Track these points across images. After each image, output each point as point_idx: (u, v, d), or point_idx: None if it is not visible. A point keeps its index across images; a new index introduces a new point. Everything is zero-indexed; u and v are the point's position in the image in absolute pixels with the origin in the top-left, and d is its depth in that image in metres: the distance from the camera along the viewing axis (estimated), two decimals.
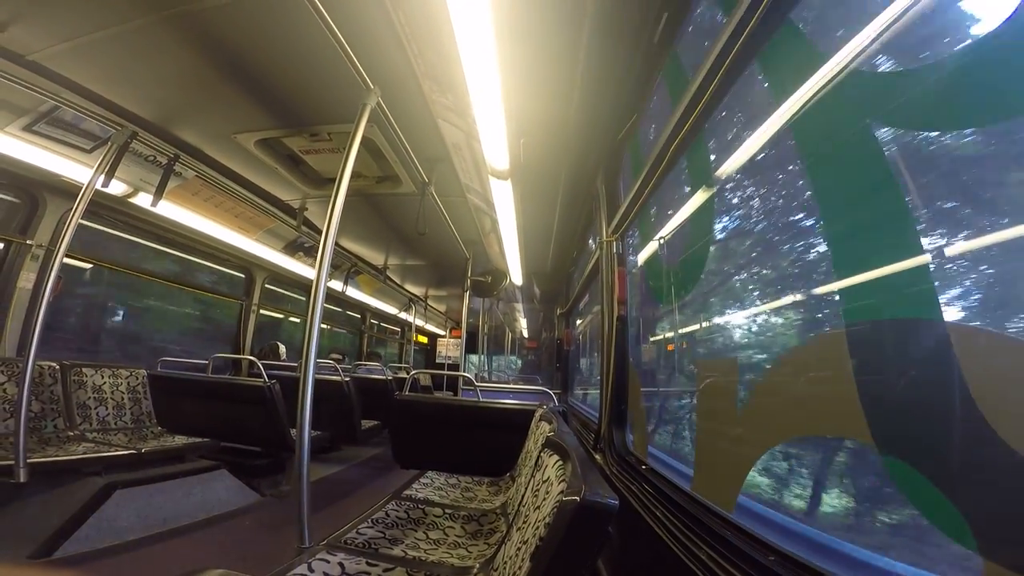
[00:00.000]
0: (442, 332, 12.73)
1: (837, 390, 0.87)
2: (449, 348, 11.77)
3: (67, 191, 3.15)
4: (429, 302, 9.40)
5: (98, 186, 2.75)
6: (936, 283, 0.72)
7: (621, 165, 2.64)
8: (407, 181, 3.48)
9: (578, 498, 0.91)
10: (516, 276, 5.76)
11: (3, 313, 3.13)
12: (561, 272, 5.84)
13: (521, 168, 2.91)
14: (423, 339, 12.53)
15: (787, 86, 1.07)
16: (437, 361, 12.14)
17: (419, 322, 10.00)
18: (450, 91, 2.43)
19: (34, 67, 2.32)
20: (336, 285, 6.16)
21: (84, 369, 3.55)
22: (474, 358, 11.09)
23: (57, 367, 3.37)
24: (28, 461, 2.42)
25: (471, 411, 3.08)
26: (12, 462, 2.38)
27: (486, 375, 11.31)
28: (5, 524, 2.39)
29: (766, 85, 1.11)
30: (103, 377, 3.65)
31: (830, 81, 0.95)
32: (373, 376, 5.55)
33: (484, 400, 3.20)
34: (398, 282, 7.52)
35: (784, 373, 1.13)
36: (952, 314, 0.70)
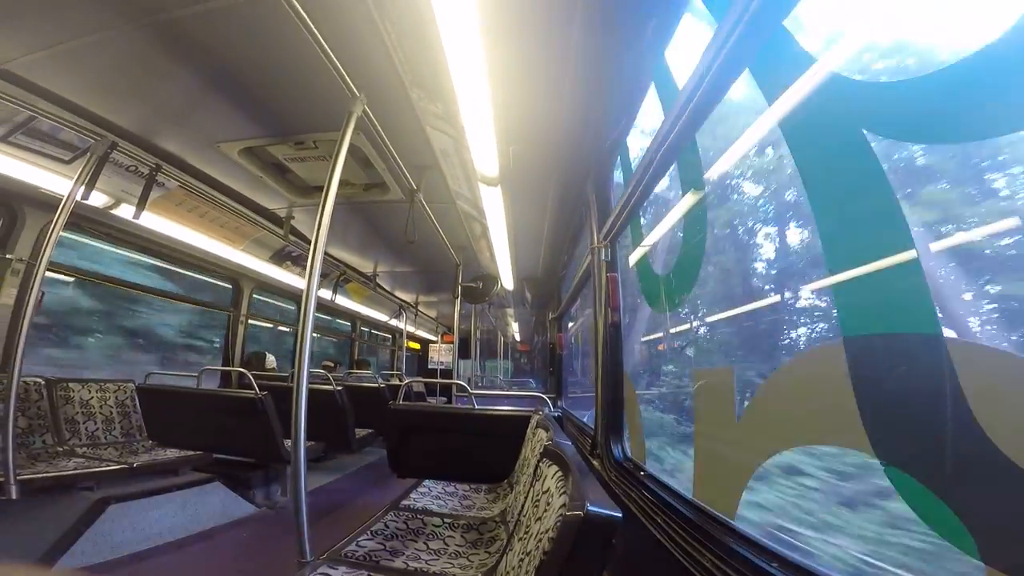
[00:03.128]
0: (434, 338, 12.67)
1: (836, 401, 0.86)
2: (441, 354, 11.73)
3: (47, 203, 3.08)
4: (420, 308, 9.35)
5: (78, 198, 2.69)
6: (933, 296, 0.71)
7: (611, 171, 2.63)
8: (395, 188, 3.45)
9: (581, 513, 0.90)
10: (507, 281, 5.74)
11: None
12: (552, 276, 5.83)
13: (511, 174, 2.89)
14: (415, 345, 12.46)
15: (777, 93, 1.06)
16: (429, 367, 12.10)
17: (410, 328, 9.94)
18: (438, 99, 2.41)
19: (9, 76, 2.26)
20: (325, 294, 6.10)
21: (70, 384, 3.51)
22: (466, 363, 11.04)
23: (43, 382, 3.33)
24: (18, 478, 2.39)
25: (466, 418, 3.05)
26: (2, 479, 2.35)
27: (479, 379, 11.28)
28: (2, 542, 2.34)
29: (756, 92, 1.10)
30: (90, 392, 3.61)
31: (821, 88, 0.94)
32: (365, 384, 5.50)
33: (479, 407, 3.17)
34: (388, 289, 7.46)
35: (783, 382, 1.13)
36: (949, 327, 0.69)
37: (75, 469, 2.80)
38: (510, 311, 9.74)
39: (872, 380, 0.80)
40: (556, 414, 4.00)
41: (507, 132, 2.46)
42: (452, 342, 10.90)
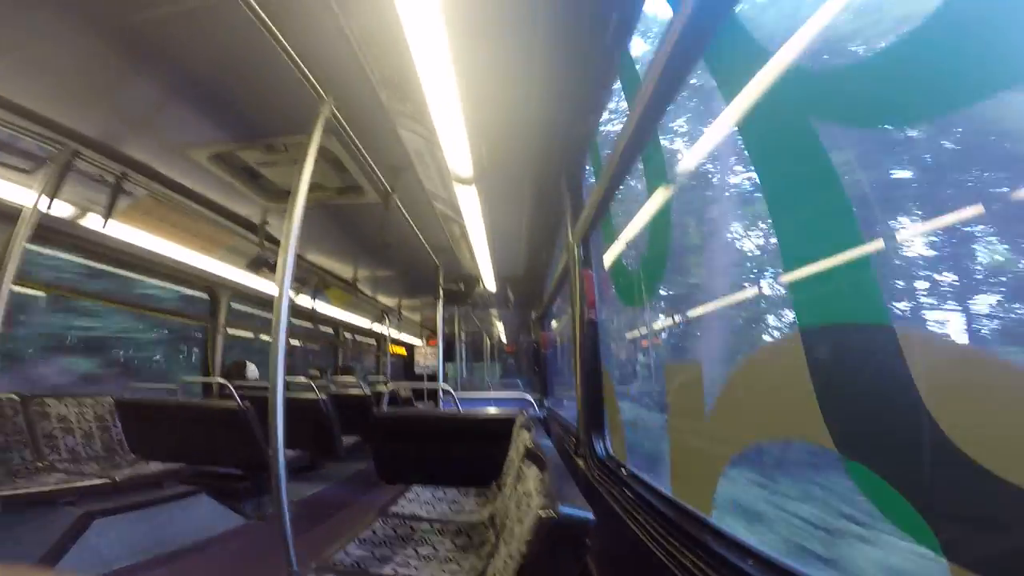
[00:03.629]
0: (419, 342, 12.60)
1: (797, 394, 0.87)
2: (427, 357, 11.65)
3: (8, 215, 2.99)
4: (403, 312, 9.28)
5: (42, 209, 2.62)
6: (883, 287, 0.72)
7: (583, 167, 2.64)
8: (370, 191, 3.42)
9: (554, 513, 0.92)
10: (489, 282, 5.73)
11: None
12: (533, 276, 5.84)
13: (485, 173, 2.89)
14: (400, 350, 12.36)
15: (733, 84, 1.07)
16: (416, 371, 12.01)
17: (395, 333, 9.87)
18: (408, 99, 2.39)
19: None
20: (305, 301, 6.02)
21: (46, 399, 3.45)
22: (453, 366, 10.99)
23: (17, 399, 3.27)
24: None
25: (452, 423, 3.04)
26: None
27: (466, 381, 11.24)
28: None
29: (713, 83, 1.11)
30: (67, 407, 3.56)
31: (767, 78, 0.95)
32: (351, 392, 5.44)
33: (465, 411, 3.16)
34: (370, 294, 7.40)
35: (748, 376, 1.13)
36: (900, 317, 0.70)
37: (56, 484, 2.76)
38: (494, 312, 9.73)
39: (828, 371, 0.81)
40: (541, 414, 4.00)
41: (479, 130, 2.46)
42: (436, 345, 10.84)
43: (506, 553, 1.24)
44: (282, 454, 1.82)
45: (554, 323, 6.24)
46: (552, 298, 4.62)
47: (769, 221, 1.00)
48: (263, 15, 1.68)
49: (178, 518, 3.06)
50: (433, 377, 10.08)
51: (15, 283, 2.63)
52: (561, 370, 6.62)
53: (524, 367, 11.91)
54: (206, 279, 4.81)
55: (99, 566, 2.44)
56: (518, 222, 4.06)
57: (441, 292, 5.36)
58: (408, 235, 4.07)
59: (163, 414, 3.29)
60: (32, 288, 3.64)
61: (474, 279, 5.80)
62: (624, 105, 1.81)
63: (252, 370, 5.59)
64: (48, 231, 3.35)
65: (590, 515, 0.93)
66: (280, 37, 1.78)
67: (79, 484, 2.81)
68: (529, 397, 4.10)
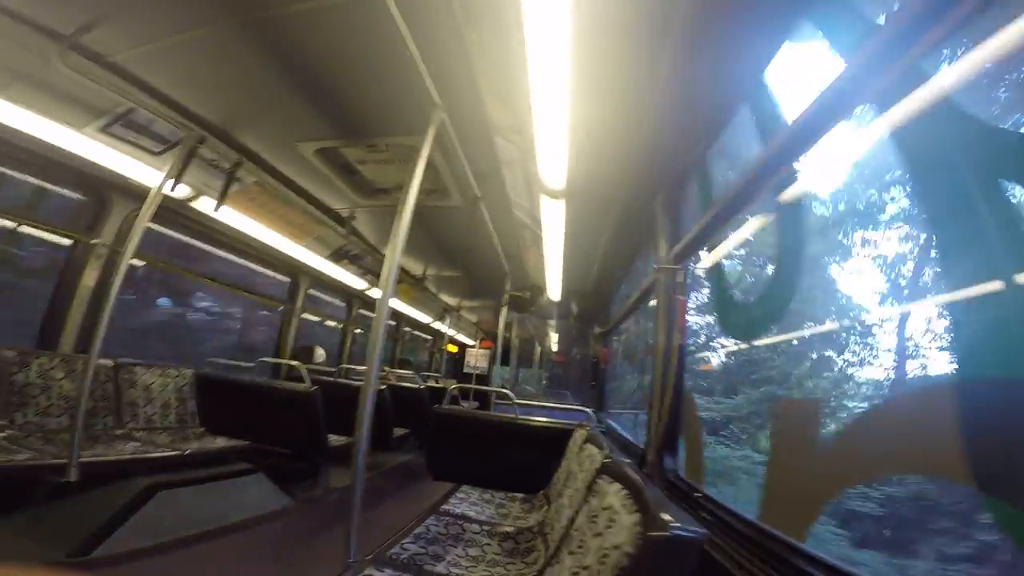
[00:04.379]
0: (471, 342, 12.74)
1: (934, 436, 0.87)
2: (478, 359, 11.76)
3: (132, 192, 3.26)
4: (462, 312, 9.41)
5: (167, 190, 2.83)
6: None
7: (686, 190, 2.57)
8: (455, 194, 3.49)
9: (666, 532, 0.92)
10: (554, 293, 5.71)
11: (64, 311, 3.22)
12: (602, 292, 5.76)
13: (575, 188, 2.87)
14: (453, 348, 12.55)
15: (898, 121, 1.00)
16: (465, 371, 12.15)
17: (451, 332, 10.04)
18: (512, 109, 2.42)
19: (114, 68, 2.38)
20: (375, 292, 6.22)
21: (135, 368, 3.68)
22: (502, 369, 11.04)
23: (111, 365, 3.50)
24: (79, 460, 2.49)
25: (509, 427, 3.04)
26: (66, 461, 2.46)
27: (512, 387, 11.25)
28: (54, 522, 2.43)
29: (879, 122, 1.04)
30: (153, 376, 3.77)
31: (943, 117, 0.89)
32: (406, 384, 5.56)
33: (522, 416, 3.15)
34: (434, 291, 7.55)
35: (883, 416, 1.10)
36: None
37: (132, 454, 2.92)
38: (551, 322, 9.68)
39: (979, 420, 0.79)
40: (601, 428, 3.94)
41: (578, 147, 2.44)
42: (490, 348, 10.91)
43: (574, 563, 1.26)
44: (364, 444, 1.86)
45: (617, 340, 6.12)
46: (624, 316, 4.54)
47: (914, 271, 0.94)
48: (397, 17, 1.73)
49: (234, 494, 3.16)
50: (482, 377, 10.17)
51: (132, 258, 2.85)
52: (620, 387, 6.49)
53: (572, 379, 11.77)
54: (291, 264, 5.07)
55: (152, 537, 2.53)
56: (597, 238, 4.01)
57: (507, 297, 5.38)
58: (484, 239, 4.12)
59: (238, 391, 3.44)
60: (143, 261, 3.95)
61: (539, 288, 5.79)
62: (748, 131, 1.74)
63: (320, 354, 5.83)
64: (164, 210, 3.64)
65: (703, 533, 0.92)
66: (408, 41, 1.83)
67: (150, 455, 2.98)
68: (588, 410, 4.03)
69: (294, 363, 3.70)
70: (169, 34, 2.18)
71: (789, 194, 1.46)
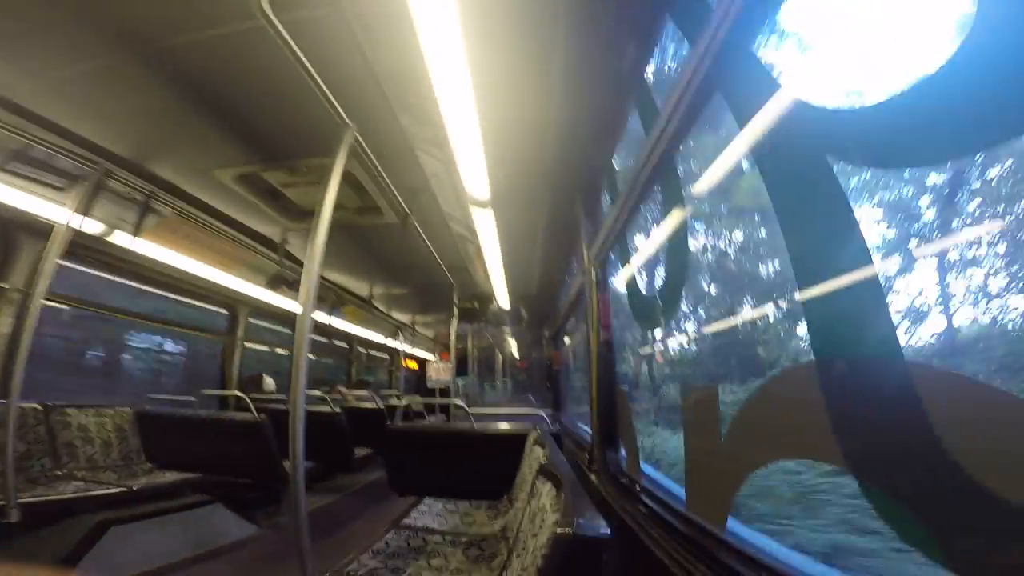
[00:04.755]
0: (431, 357, 12.61)
1: (812, 418, 0.89)
2: (439, 372, 11.65)
3: (40, 231, 3.09)
4: (417, 328, 9.33)
5: (74, 225, 2.71)
6: (896, 319, 0.74)
7: (599, 192, 2.67)
8: (388, 211, 3.48)
9: (571, 529, 0.94)
10: (503, 300, 5.76)
11: None
12: (547, 295, 5.85)
13: (501, 197, 2.93)
14: (413, 365, 12.39)
15: (748, 117, 1.09)
16: (428, 385, 12.01)
17: (408, 348, 9.91)
18: (428, 124, 2.45)
19: (5, 104, 2.28)
20: (322, 317, 6.09)
21: (67, 409, 3.53)
22: (464, 380, 10.97)
23: (40, 408, 3.35)
24: (19, 500, 2.42)
25: (465, 437, 3.04)
26: (4, 502, 2.37)
27: (477, 395, 11.22)
28: (4, 564, 2.32)
29: (729, 115, 1.13)
30: (87, 416, 3.63)
31: (787, 113, 0.98)
32: (364, 405, 5.46)
33: (477, 425, 3.17)
34: (384, 310, 7.46)
35: (764, 399, 1.15)
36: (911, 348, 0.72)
37: (75, 492, 2.82)
38: (507, 329, 9.73)
39: (842, 400, 0.83)
40: (555, 430, 3.99)
41: (496, 155, 2.50)
42: (449, 360, 10.83)
43: (519, 566, 1.27)
44: (302, 467, 1.84)
45: (567, 340, 6.23)
46: (566, 317, 4.63)
47: (784, 249, 1.02)
48: (292, 44, 1.74)
49: (192, 527, 3.09)
50: (445, 391, 10.10)
51: (46, 298, 2.71)
52: (573, 386, 6.60)
53: (535, 383, 11.85)
54: (226, 295, 4.90)
55: (114, 573, 2.48)
56: (532, 243, 4.10)
57: (455, 310, 5.39)
58: (424, 254, 4.12)
59: (181, 425, 3.33)
60: (61, 303, 3.74)
61: (488, 297, 5.83)
62: (641, 131, 1.84)
63: (269, 383, 5.66)
64: (79, 247, 3.46)
65: (607, 531, 0.95)
66: (307, 65, 1.84)
67: (96, 492, 2.87)
68: (542, 413, 4.08)
69: (238, 393, 3.59)
70: (63, 66, 2.10)
71: (669, 189, 1.56)
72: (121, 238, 3.36)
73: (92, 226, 3.08)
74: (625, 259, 2.18)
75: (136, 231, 3.17)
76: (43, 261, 2.64)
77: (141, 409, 3.42)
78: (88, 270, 3.79)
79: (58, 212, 2.90)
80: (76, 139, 2.58)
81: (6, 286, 3.13)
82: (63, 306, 3.82)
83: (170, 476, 3.46)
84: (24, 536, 2.43)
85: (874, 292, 0.77)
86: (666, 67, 1.70)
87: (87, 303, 3.92)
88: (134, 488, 3.05)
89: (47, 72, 2.13)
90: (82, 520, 2.58)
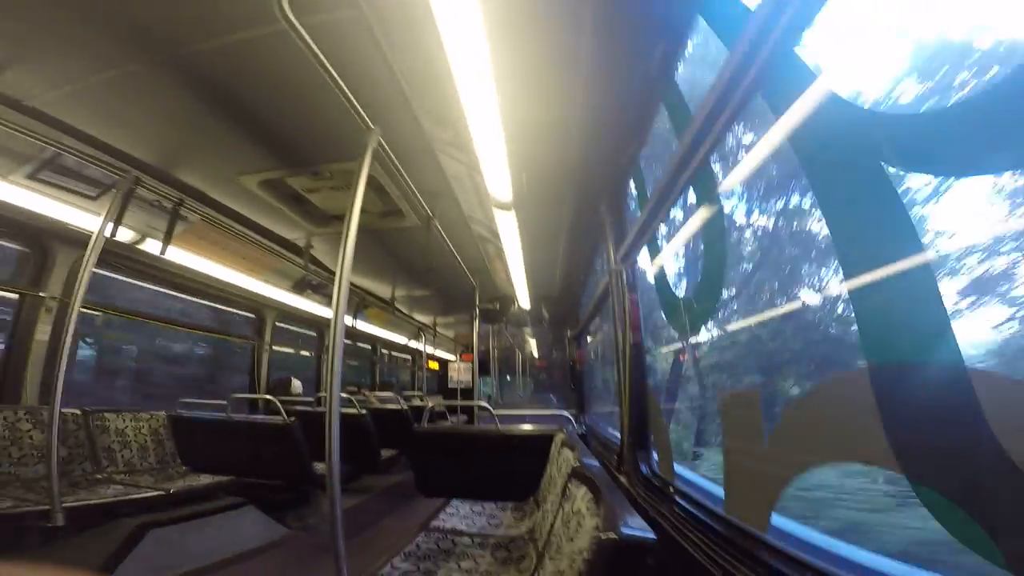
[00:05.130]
0: (453, 357, 12.67)
1: (862, 422, 0.87)
2: (460, 372, 11.70)
3: (75, 239, 3.18)
4: (438, 329, 9.37)
5: (107, 234, 2.77)
6: (956, 324, 0.71)
7: (625, 192, 2.62)
8: (410, 215, 3.49)
9: (616, 535, 0.93)
10: (524, 301, 5.73)
11: (22, 363, 3.17)
12: (569, 295, 5.81)
13: (524, 198, 2.90)
14: (435, 365, 12.47)
15: (789, 118, 1.05)
16: (450, 386, 12.08)
17: (429, 349, 9.97)
18: (450, 126, 2.43)
19: (33, 113, 2.32)
20: (347, 320, 6.14)
21: (106, 414, 3.64)
22: (486, 380, 10.99)
23: (80, 413, 3.46)
24: (63, 505, 2.48)
25: (490, 439, 3.04)
26: (49, 506, 2.43)
27: (499, 395, 11.23)
28: (47, 566, 2.38)
29: (771, 117, 1.08)
30: (124, 421, 3.74)
31: (835, 115, 0.94)
32: (389, 406, 5.50)
33: (502, 427, 3.15)
34: (407, 312, 7.50)
35: (813, 403, 1.12)
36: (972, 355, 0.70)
37: (115, 496, 2.89)
38: (527, 329, 9.71)
39: (896, 404, 0.81)
40: (580, 431, 3.95)
41: (518, 157, 2.47)
42: (471, 361, 10.86)
43: (554, 569, 1.26)
44: (337, 468, 1.83)
45: (590, 340, 6.17)
46: (590, 318, 4.58)
47: (831, 253, 0.97)
48: (316, 49, 1.74)
49: (226, 529, 3.16)
50: (467, 391, 10.12)
51: (83, 307, 2.78)
52: (597, 387, 6.54)
53: (556, 383, 11.82)
54: (253, 299, 4.98)
55: (154, 574, 2.54)
56: (555, 244, 4.06)
57: (477, 311, 5.38)
58: (446, 256, 4.12)
59: (212, 429, 3.41)
60: (96, 310, 3.85)
61: (509, 298, 5.80)
62: (669, 130, 1.79)
63: (296, 385, 5.73)
64: (112, 256, 3.55)
65: (652, 535, 0.93)
66: (330, 68, 1.84)
67: (135, 496, 2.94)
68: (567, 414, 4.04)
69: (268, 396, 3.64)
70: (89, 74, 2.13)
71: (704, 190, 1.51)
72: (151, 245, 3.44)
73: (124, 234, 3.15)
74: (656, 259, 2.13)
75: (167, 238, 3.23)
76: (81, 269, 2.69)
77: (175, 414, 3.50)
78: (120, 277, 3.90)
79: (91, 220, 2.98)
80: (105, 147, 2.63)
81: (44, 295, 3.23)
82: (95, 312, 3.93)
83: (204, 479, 3.53)
84: (68, 539, 2.50)
85: (931, 295, 0.75)
86: (694, 66, 1.64)
87: (121, 310, 4.03)
88: (171, 491, 3.12)
89: (73, 81, 2.16)
90: (122, 523, 2.65)
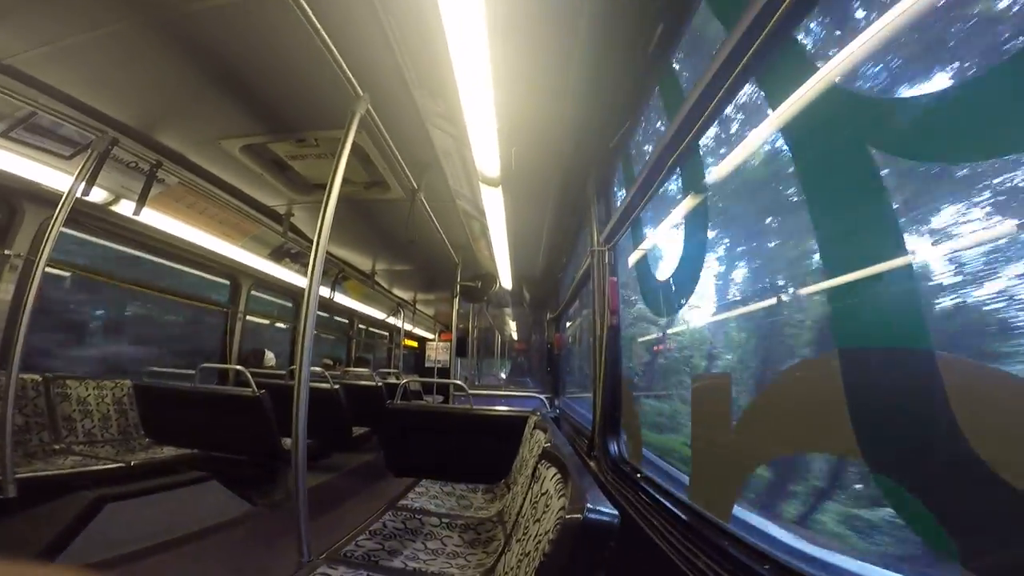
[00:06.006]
0: (431, 336, 12.66)
1: (829, 409, 0.88)
2: (439, 352, 11.70)
3: (46, 199, 3.06)
4: (418, 306, 9.33)
5: (79, 194, 2.68)
6: (925, 311, 0.73)
7: (613, 173, 2.63)
8: (395, 187, 3.44)
9: (581, 516, 0.93)
10: (506, 281, 5.74)
11: None
12: (550, 277, 5.84)
13: (512, 175, 2.89)
14: (413, 343, 12.44)
15: (782, 103, 1.07)
16: (427, 365, 12.08)
17: (408, 326, 9.94)
18: (441, 98, 2.40)
19: (11, 71, 2.24)
20: (324, 291, 6.07)
21: (67, 381, 3.51)
22: (463, 361, 11.03)
23: (40, 380, 3.33)
24: (16, 476, 2.39)
25: (464, 418, 3.04)
26: (0, 478, 2.34)
27: (476, 377, 11.29)
28: None
29: (765, 102, 1.10)
30: (87, 389, 3.61)
31: (827, 101, 0.95)
32: (363, 383, 5.48)
33: (477, 407, 3.17)
34: (386, 287, 7.45)
35: (779, 390, 1.14)
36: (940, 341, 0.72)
37: (73, 468, 2.80)
38: (508, 310, 9.74)
39: (864, 391, 0.82)
40: (553, 414, 4.00)
41: (509, 133, 2.46)
42: (450, 340, 10.88)
43: (520, 551, 1.26)
44: (304, 444, 1.83)
45: (569, 324, 6.24)
46: (570, 301, 4.62)
47: (812, 238, 1.00)
48: (308, 9, 1.69)
49: (188, 503, 3.09)
50: (444, 371, 10.13)
51: (49, 265, 2.69)
52: (573, 371, 6.64)
53: (534, 366, 11.94)
54: (229, 266, 4.88)
55: (107, 550, 2.47)
56: (539, 224, 4.06)
57: (458, 289, 5.37)
58: (429, 231, 4.09)
59: (179, 399, 3.31)
60: (64, 270, 3.72)
61: (491, 277, 5.80)
62: (662, 113, 1.80)
63: (270, 357, 5.66)
64: (83, 216, 3.43)
65: (616, 517, 0.94)
66: (323, 32, 1.79)
67: (94, 468, 2.86)
68: (542, 397, 4.09)
69: (239, 368, 3.58)
70: (68, 34, 2.04)
71: (691, 175, 1.54)
72: (126, 207, 3.33)
73: (97, 195, 3.04)
74: (639, 243, 2.16)
75: (141, 200, 3.13)
76: (49, 227, 2.60)
77: (140, 382, 3.40)
78: (91, 238, 3.78)
79: (63, 180, 2.87)
80: (83, 107, 2.53)
81: (9, 252, 3.11)
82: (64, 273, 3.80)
83: (167, 452, 3.46)
84: (20, 513, 2.42)
85: (906, 282, 0.76)
86: (693, 50, 1.65)
87: (90, 270, 3.90)
88: (132, 464, 3.05)
89: (54, 39, 2.07)
90: (79, 497, 2.56)
